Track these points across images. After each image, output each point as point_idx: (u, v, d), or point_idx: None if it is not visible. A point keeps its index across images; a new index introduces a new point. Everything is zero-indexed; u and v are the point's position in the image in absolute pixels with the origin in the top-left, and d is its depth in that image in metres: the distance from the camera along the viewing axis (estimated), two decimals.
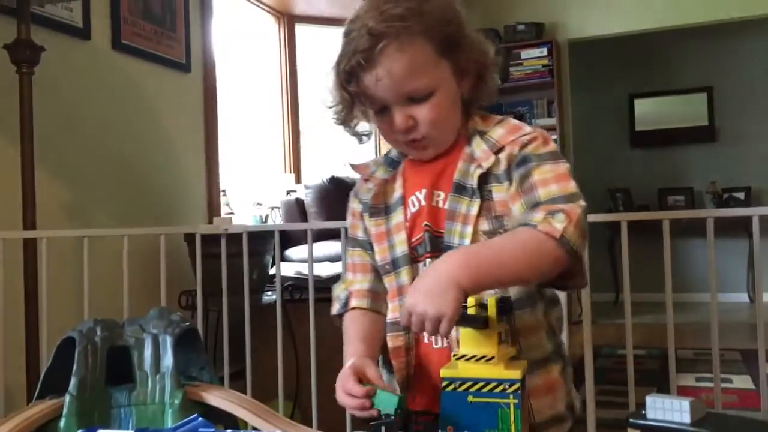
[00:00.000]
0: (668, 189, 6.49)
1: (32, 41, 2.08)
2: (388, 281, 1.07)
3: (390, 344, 1.06)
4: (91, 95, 2.62)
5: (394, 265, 1.06)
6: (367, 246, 1.12)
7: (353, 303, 1.11)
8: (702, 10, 4.96)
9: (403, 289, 1.05)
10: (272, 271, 2.71)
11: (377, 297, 1.11)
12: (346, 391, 0.93)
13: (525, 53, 5.19)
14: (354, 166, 1.18)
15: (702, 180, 6.32)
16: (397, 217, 1.08)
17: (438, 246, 1.02)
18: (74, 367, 0.97)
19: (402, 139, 1.04)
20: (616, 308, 5.55)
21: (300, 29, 4.48)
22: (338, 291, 1.16)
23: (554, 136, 5.18)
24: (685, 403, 0.69)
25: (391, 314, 1.07)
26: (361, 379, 0.94)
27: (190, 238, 2.53)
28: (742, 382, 3.45)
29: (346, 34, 1.00)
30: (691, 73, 6.44)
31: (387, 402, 0.87)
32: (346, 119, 1.06)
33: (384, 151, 1.25)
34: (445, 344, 1.02)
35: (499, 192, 1.00)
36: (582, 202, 0.94)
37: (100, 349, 1.00)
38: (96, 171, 2.63)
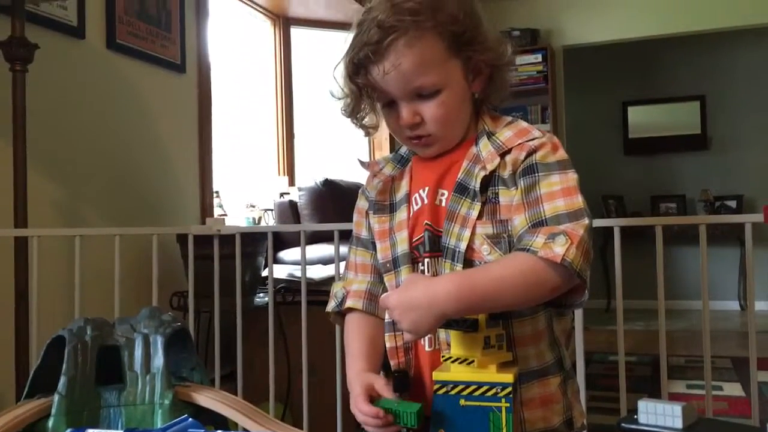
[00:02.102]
0: (661, 196, 6.51)
1: (26, 39, 2.07)
2: (388, 280, 1.05)
3: (388, 344, 1.05)
4: (85, 94, 2.61)
5: (395, 263, 1.04)
6: (370, 245, 1.11)
7: (349, 303, 1.10)
8: (695, 19, 4.99)
9: None
10: (264, 272, 2.70)
11: (375, 299, 1.09)
12: (362, 413, 0.92)
13: (519, 59, 5.19)
14: (363, 163, 1.16)
15: (694, 188, 6.35)
16: (401, 215, 1.06)
17: (437, 246, 1.00)
18: (64, 366, 0.96)
19: (407, 135, 1.03)
20: (608, 315, 5.55)
21: (295, 32, 4.48)
22: (336, 289, 1.15)
23: None
24: (677, 408, 0.69)
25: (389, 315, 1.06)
26: (373, 396, 0.94)
27: (182, 238, 2.52)
28: (732, 389, 3.46)
29: (359, 25, 0.98)
30: (684, 81, 6.47)
31: (407, 415, 0.86)
32: (353, 111, 1.05)
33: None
34: (435, 347, 1.01)
35: (505, 196, 0.98)
36: (586, 221, 0.91)
37: (91, 348, 0.99)
38: (89, 170, 2.62)
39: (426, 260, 1.01)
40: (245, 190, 3.81)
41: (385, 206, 1.09)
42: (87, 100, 2.62)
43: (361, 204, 1.15)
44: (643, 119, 6.66)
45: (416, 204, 1.05)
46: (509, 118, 1.07)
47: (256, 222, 3.59)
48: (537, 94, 5.23)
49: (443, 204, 1.02)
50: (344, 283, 1.14)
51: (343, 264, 1.23)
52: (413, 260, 1.03)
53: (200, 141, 3.25)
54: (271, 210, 3.70)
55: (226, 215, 3.45)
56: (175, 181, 3.09)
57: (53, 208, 2.45)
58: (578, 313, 1.94)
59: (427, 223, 1.02)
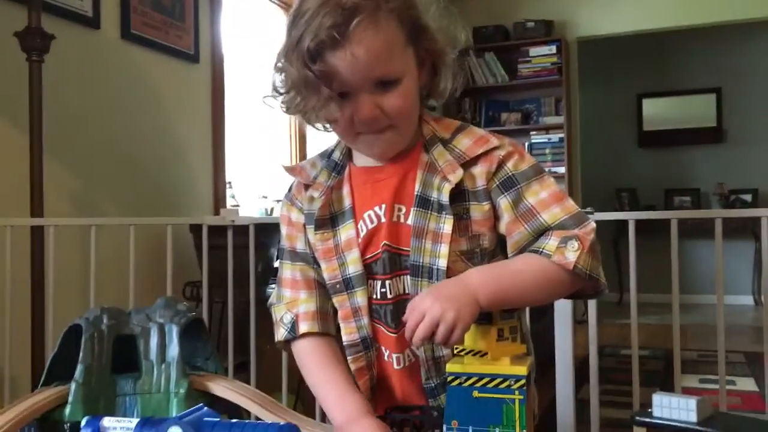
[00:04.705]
0: (675, 190, 6.48)
1: (42, 29, 2.08)
2: (340, 301, 0.99)
3: (353, 366, 0.99)
4: (100, 84, 2.63)
5: (347, 284, 0.98)
6: (310, 259, 1.02)
7: (303, 328, 0.99)
8: (711, 11, 4.94)
9: (359, 310, 0.97)
10: (276, 263, 2.71)
11: (326, 317, 1.01)
12: None
13: (533, 50, 5.18)
14: (289, 169, 1.05)
15: (709, 181, 6.31)
16: (347, 232, 0.98)
17: (400, 265, 0.95)
18: (80, 355, 0.97)
19: (362, 130, 0.93)
20: (620, 308, 5.54)
21: None
22: (281, 312, 1.03)
23: (561, 134, 5.17)
24: (692, 402, 0.69)
25: (347, 336, 0.99)
26: None
27: (196, 229, 2.54)
28: (745, 384, 3.44)
29: (302, 14, 0.87)
30: (700, 74, 6.42)
31: None
32: (307, 105, 0.90)
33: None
34: (405, 364, 0.99)
35: (477, 211, 0.93)
36: (593, 223, 0.91)
37: (107, 337, 1.00)
38: (103, 160, 2.64)
39: (387, 282, 0.96)
40: (258, 180, 3.82)
41: (327, 221, 0.99)
42: (102, 90, 2.63)
43: (294, 216, 1.04)
44: (658, 112, 6.61)
45: (371, 222, 0.97)
46: (456, 122, 1.00)
47: (269, 213, 3.60)
48: (551, 86, 5.20)
49: (402, 220, 0.96)
50: (287, 305, 1.03)
51: None
52: (367, 279, 0.97)
53: (213, 131, 3.26)
54: None
55: (238, 206, 3.46)
56: (189, 171, 3.10)
57: (68, 198, 2.47)
58: (591, 307, 1.93)
59: (385, 243, 0.95)
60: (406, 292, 0.95)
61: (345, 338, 0.99)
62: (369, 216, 0.97)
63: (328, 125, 0.96)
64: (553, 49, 5.13)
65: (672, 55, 6.42)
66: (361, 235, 0.97)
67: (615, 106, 6.66)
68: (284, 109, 0.95)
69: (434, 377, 0.96)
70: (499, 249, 0.97)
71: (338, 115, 0.91)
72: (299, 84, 0.89)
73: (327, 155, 1.04)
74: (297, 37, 0.87)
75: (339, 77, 0.88)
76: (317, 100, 0.89)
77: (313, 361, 1.00)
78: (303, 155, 4.29)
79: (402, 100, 0.91)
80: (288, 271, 1.04)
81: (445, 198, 0.92)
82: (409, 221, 0.94)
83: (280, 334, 1.02)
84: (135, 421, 0.72)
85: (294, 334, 1.00)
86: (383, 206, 0.96)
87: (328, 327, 1.00)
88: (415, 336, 0.84)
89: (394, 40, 0.89)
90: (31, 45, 2.07)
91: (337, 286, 0.98)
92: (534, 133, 5.26)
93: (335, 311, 1.02)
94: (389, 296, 0.96)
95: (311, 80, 0.87)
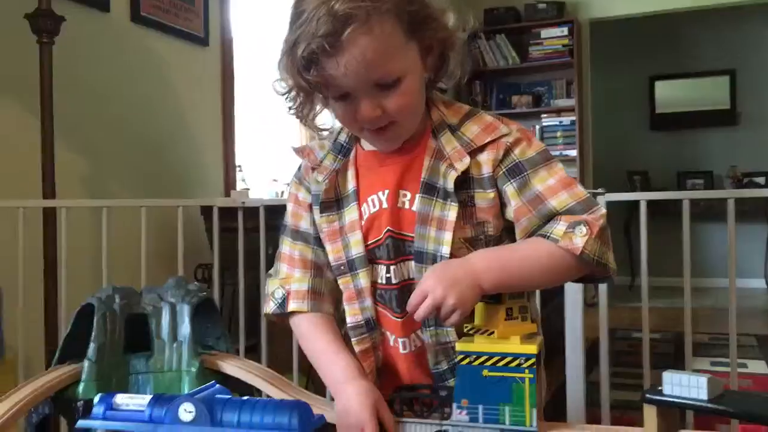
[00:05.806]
0: (687, 172, 6.43)
1: (53, 11, 2.08)
2: (344, 283, 0.99)
3: (357, 348, 0.99)
4: (110, 67, 2.63)
5: (350, 266, 0.98)
6: (312, 240, 1.03)
7: (292, 306, 1.01)
8: None
9: (362, 291, 0.98)
10: None
11: (319, 297, 1.02)
12: None
13: (545, 32, 5.13)
14: (297, 150, 1.07)
15: (722, 164, 6.25)
16: (351, 214, 0.98)
17: (404, 251, 0.95)
18: (93, 333, 0.98)
19: (368, 128, 0.93)
20: (631, 292, 5.52)
21: None
22: (274, 286, 1.04)
23: (573, 117, 5.13)
24: (702, 380, 0.69)
25: (351, 317, 0.99)
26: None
27: (206, 211, 2.54)
28: (756, 367, 3.43)
29: (299, 14, 0.85)
30: (714, 55, 6.34)
31: None
32: (302, 110, 0.93)
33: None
34: (412, 349, 0.99)
35: (482, 199, 0.94)
36: (603, 209, 0.91)
37: (119, 316, 1.01)
38: (114, 142, 2.64)
39: (392, 267, 0.96)
40: (268, 164, 3.82)
41: (332, 203, 1.00)
42: (112, 73, 2.64)
43: (302, 195, 1.05)
44: (670, 94, 6.55)
45: (373, 206, 0.97)
46: (466, 107, 0.99)
47: (279, 196, 3.61)
48: (562, 68, 5.16)
49: (407, 206, 0.96)
50: (281, 281, 1.04)
51: None
52: (370, 262, 0.97)
53: (223, 114, 3.26)
54: None
55: (248, 189, 3.46)
56: (199, 154, 3.11)
57: (80, 180, 2.48)
58: (602, 291, 1.93)
59: (388, 229, 0.96)
60: (411, 277, 0.95)
61: (349, 320, 1.00)
62: (372, 200, 0.98)
63: (324, 132, 1.00)
64: (565, 30, 5.08)
65: (685, 36, 6.34)
66: (364, 218, 0.98)
67: (627, 89, 6.60)
68: (289, 112, 0.98)
69: (443, 362, 0.97)
70: (505, 234, 0.97)
71: (336, 116, 0.92)
72: (295, 90, 0.92)
73: (335, 138, 1.05)
74: (292, 41, 0.87)
75: (335, 83, 0.87)
76: (311, 108, 0.93)
77: (307, 331, 1.01)
78: (313, 138, 4.28)
79: (403, 98, 0.90)
80: (287, 247, 1.06)
81: (450, 185, 0.92)
82: (414, 207, 0.95)
83: (269, 307, 1.04)
84: (147, 398, 0.72)
85: (283, 310, 1.02)
86: (386, 192, 0.97)
87: (319, 307, 1.01)
88: (416, 315, 0.86)
89: (391, 42, 0.87)
90: (41, 27, 2.07)
91: (342, 267, 0.99)
92: (545, 115, 5.23)
93: (331, 292, 1.03)
94: (394, 281, 0.97)
95: (305, 88, 0.89)
